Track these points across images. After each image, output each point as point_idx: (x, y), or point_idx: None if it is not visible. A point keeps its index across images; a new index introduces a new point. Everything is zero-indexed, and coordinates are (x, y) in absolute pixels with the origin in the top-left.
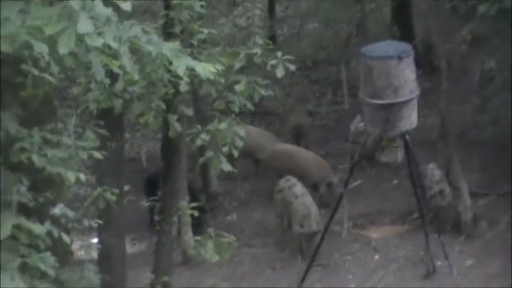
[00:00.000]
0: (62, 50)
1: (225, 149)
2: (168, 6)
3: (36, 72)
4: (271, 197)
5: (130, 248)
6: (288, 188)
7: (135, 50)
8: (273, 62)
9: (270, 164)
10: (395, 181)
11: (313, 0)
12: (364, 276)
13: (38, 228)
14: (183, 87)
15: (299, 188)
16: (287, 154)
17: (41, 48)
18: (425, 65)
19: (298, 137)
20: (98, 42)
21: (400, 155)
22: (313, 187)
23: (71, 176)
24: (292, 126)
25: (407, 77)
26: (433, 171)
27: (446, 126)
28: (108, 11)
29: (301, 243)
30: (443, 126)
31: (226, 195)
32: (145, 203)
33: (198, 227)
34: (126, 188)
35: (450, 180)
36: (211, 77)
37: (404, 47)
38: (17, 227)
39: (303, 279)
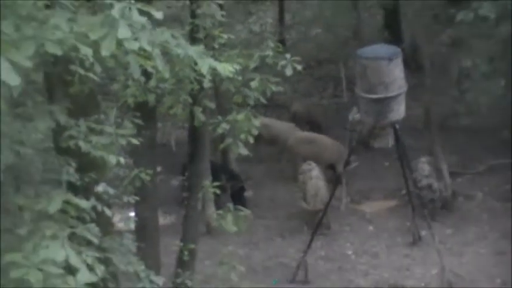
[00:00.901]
0: (104, 52)
1: (242, 136)
2: (193, 15)
3: (82, 71)
4: (281, 178)
5: (162, 220)
6: (308, 171)
7: (166, 52)
8: (283, 62)
9: (294, 150)
10: (387, 163)
11: (317, 9)
12: (359, 244)
13: (84, 204)
14: (206, 83)
15: (315, 171)
16: (309, 140)
17: (86, 51)
18: (411, 64)
19: (298, 122)
20: (135, 45)
21: (390, 141)
22: (330, 167)
23: (112, 159)
24: (292, 113)
25: (396, 75)
26: (423, 165)
27: (430, 116)
28: (143, 19)
29: (307, 216)
30: (426, 116)
31: (244, 175)
32: (175, 182)
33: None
34: (158, 169)
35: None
36: (230, 75)
37: (394, 49)
38: (67, 202)
39: (308, 246)
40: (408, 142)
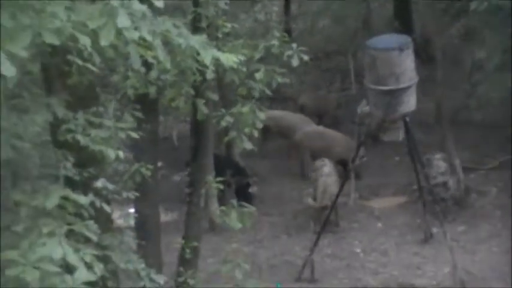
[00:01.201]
0: (103, 42)
1: (246, 130)
2: (196, 4)
3: (80, 62)
4: (288, 173)
5: (163, 217)
6: (320, 167)
7: (167, 42)
8: (289, 52)
9: (302, 144)
10: (397, 158)
11: None
12: (368, 242)
13: (82, 199)
14: (210, 75)
15: (327, 168)
16: (318, 135)
17: (84, 41)
18: (422, 55)
19: (305, 116)
20: (135, 35)
21: (400, 135)
22: (340, 163)
23: (111, 154)
24: (300, 106)
25: (407, 66)
26: (439, 162)
27: (441, 110)
28: (144, 7)
29: (314, 213)
30: (438, 110)
31: (249, 170)
32: (177, 177)
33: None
34: (160, 164)
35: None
36: (234, 66)
37: (405, 39)
38: (64, 198)
39: (315, 244)
40: (418, 137)
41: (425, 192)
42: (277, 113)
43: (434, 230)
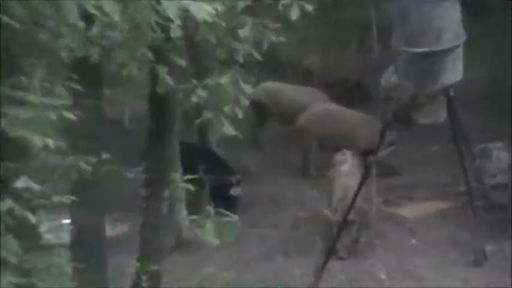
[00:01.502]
0: None
1: (227, 108)
2: None
3: None
4: (287, 170)
5: (111, 230)
6: (339, 163)
7: None
8: (286, 1)
9: (308, 129)
10: (436, 147)
11: None
12: (397, 264)
13: None
14: (175, 32)
15: (347, 166)
16: (330, 115)
17: None
18: (472, 5)
19: (306, 82)
20: None
21: (441, 115)
22: (365, 155)
23: (37, 141)
24: (303, 71)
25: (451, 20)
26: (500, 154)
27: (497, 81)
28: None
29: (325, 225)
30: (494, 81)
31: (232, 164)
32: (130, 174)
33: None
34: (105, 156)
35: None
36: (209, 20)
37: None
38: None
39: (322, 267)
40: (466, 118)
41: (477, 196)
42: (273, 85)
43: (489, 248)
